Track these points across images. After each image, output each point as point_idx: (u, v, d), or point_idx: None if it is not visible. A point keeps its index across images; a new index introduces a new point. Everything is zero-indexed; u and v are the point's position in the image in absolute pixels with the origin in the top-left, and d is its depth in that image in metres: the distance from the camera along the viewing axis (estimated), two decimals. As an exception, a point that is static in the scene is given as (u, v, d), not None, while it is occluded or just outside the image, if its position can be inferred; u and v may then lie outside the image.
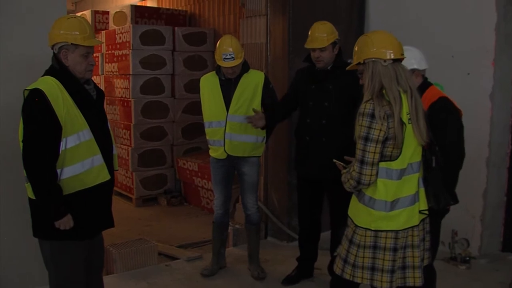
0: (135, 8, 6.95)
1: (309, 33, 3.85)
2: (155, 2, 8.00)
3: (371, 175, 2.53)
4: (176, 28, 6.88)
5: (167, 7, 7.74)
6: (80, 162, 2.74)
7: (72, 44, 2.73)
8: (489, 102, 4.46)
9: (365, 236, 2.60)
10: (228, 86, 4.18)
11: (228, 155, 4.21)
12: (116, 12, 7.04)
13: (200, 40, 7.06)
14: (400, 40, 5.11)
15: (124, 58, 6.64)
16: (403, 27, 5.03)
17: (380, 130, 2.49)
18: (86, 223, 2.80)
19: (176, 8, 7.57)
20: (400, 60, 2.63)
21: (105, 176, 2.85)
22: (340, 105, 3.79)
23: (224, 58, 4.01)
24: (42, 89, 2.61)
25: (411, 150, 2.58)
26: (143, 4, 7.98)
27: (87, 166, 2.76)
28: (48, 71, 2.79)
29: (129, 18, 6.85)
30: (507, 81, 4.52)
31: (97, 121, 2.87)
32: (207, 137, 4.35)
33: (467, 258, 4.49)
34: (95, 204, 2.83)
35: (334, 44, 3.81)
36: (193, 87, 6.92)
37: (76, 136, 2.71)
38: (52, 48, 2.79)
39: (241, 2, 5.22)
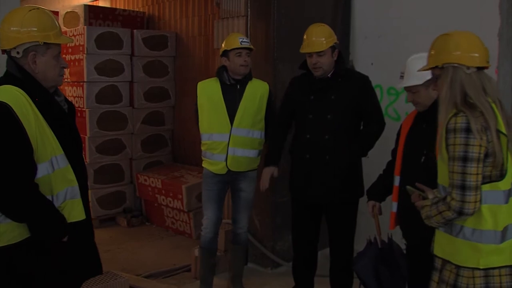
0: (89, 8, 6.29)
1: (304, 37, 3.41)
2: (108, 2, 7.34)
3: (475, 201, 2.10)
4: (135, 30, 6.26)
5: (122, 7, 7.09)
6: (52, 196, 2.16)
7: (44, 43, 2.14)
8: (491, 113, 4.13)
9: (474, 277, 2.15)
10: (232, 95, 3.75)
11: (229, 170, 3.77)
12: (67, 13, 6.35)
13: (161, 44, 6.45)
14: (392, 47, 4.77)
15: (77, 64, 5.96)
16: (393, 31, 4.69)
17: (480, 146, 2.08)
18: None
19: (133, 9, 6.93)
20: (485, 68, 2.23)
21: (77, 215, 2.26)
22: (344, 118, 3.36)
23: (242, 41, 3.65)
24: (8, 103, 2.00)
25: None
26: (96, 4, 7.30)
27: (61, 200, 2.18)
28: (5, 80, 2.16)
29: (82, 19, 6.17)
30: (509, 91, 4.20)
31: (71, 142, 2.28)
32: (203, 149, 3.86)
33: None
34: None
35: (333, 48, 3.37)
36: (153, 95, 6.41)
37: (49, 163, 2.12)
38: (8, 52, 2.17)
39: (216, 1, 4.70)
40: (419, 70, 2.44)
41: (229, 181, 3.87)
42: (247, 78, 3.78)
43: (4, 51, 2.20)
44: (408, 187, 2.44)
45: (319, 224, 3.62)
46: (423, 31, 4.40)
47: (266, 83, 3.93)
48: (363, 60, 4.87)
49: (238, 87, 3.75)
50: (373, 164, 4.06)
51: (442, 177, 2.25)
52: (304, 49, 3.39)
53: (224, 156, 3.75)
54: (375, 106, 3.45)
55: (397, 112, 4.66)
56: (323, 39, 3.33)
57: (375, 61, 4.76)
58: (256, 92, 3.79)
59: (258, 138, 3.82)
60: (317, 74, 3.38)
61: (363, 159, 3.60)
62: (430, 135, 2.75)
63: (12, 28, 2.14)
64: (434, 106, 2.80)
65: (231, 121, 3.72)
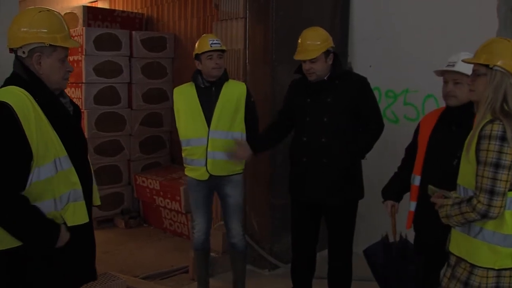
0: (88, 9, 6.28)
1: (299, 41, 3.38)
2: (107, 4, 7.34)
3: (501, 206, 2.18)
4: (133, 32, 6.26)
5: (121, 9, 7.09)
6: (55, 198, 2.14)
7: (49, 45, 2.13)
8: (490, 117, 4.13)
9: (487, 277, 2.24)
10: (208, 97, 3.69)
11: (211, 175, 3.71)
12: (65, 14, 6.32)
13: (160, 46, 6.46)
14: (391, 49, 4.75)
15: (75, 65, 5.92)
16: (392, 34, 4.70)
17: None
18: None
19: (132, 11, 6.93)
20: None
21: (80, 218, 2.24)
22: (342, 120, 3.34)
23: (211, 43, 3.58)
24: (9, 103, 1.99)
25: None
26: (95, 6, 7.29)
27: (64, 203, 2.17)
28: (10, 81, 2.16)
29: (80, 20, 6.16)
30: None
31: (76, 144, 2.28)
32: (184, 155, 3.82)
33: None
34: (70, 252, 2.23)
35: (327, 53, 3.33)
36: (152, 97, 6.40)
37: (52, 165, 2.10)
38: (15, 51, 2.17)
39: (214, 3, 4.71)
40: (463, 60, 2.47)
41: (213, 186, 3.82)
42: (222, 80, 3.72)
43: (11, 50, 2.20)
44: (430, 186, 2.48)
45: (318, 225, 3.61)
46: (422, 34, 4.44)
47: (243, 83, 3.90)
48: (362, 63, 4.87)
49: (214, 89, 3.69)
50: (371, 167, 4.08)
51: (464, 178, 2.32)
52: (296, 56, 3.37)
53: (204, 160, 3.69)
54: (374, 107, 3.44)
55: (395, 115, 4.66)
56: (318, 43, 3.30)
57: (374, 64, 4.77)
58: (233, 93, 3.72)
59: (239, 140, 3.72)
60: (311, 79, 3.37)
61: (362, 161, 3.60)
62: (462, 139, 2.73)
63: (21, 29, 2.15)
64: (465, 108, 2.79)
65: (208, 124, 3.66)
